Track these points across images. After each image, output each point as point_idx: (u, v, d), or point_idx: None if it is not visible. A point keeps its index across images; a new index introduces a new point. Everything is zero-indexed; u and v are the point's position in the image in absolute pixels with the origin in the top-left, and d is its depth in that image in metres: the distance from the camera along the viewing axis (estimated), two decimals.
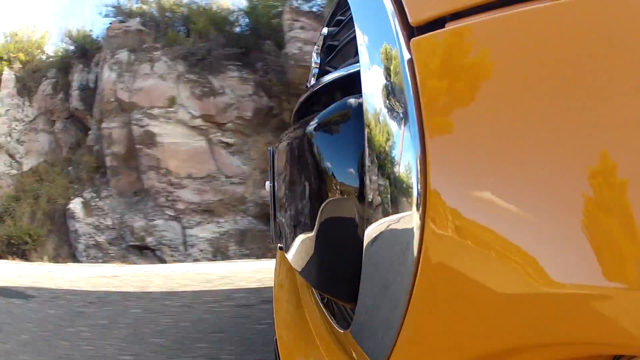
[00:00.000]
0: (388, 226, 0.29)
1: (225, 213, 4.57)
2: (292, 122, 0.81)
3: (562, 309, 0.20)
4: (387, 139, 0.29)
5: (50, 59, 6.30)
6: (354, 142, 0.34)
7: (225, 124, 4.80)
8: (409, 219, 0.27)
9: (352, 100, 0.38)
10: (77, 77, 5.82)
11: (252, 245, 4.30)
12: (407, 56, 0.28)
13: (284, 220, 0.57)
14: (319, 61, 0.69)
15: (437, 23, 0.27)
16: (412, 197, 0.26)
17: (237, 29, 5.10)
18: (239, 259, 3.95)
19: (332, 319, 0.46)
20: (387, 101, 0.30)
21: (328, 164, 0.37)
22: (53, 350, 1.33)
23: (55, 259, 4.38)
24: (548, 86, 0.21)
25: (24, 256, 4.40)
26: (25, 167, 5.67)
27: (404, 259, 0.27)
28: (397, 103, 0.28)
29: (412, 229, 0.26)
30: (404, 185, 0.27)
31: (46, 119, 5.96)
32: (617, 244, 0.18)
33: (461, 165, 0.24)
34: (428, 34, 0.27)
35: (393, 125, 0.29)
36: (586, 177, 0.19)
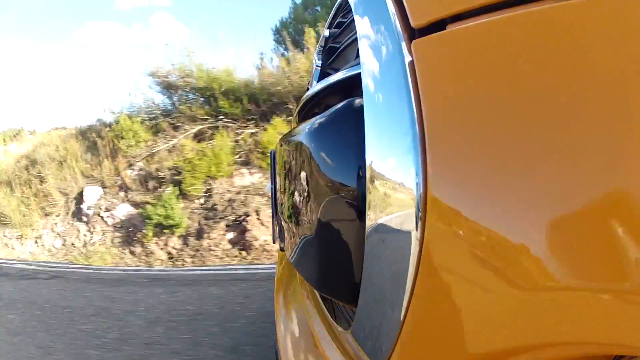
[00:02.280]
0: (388, 228, 0.29)
1: None
2: (294, 123, 0.81)
3: (562, 309, 0.20)
4: (388, 141, 0.30)
5: None
6: (355, 143, 0.34)
7: None
8: (409, 220, 0.27)
9: (353, 102, 0.38)
10: None
11: None
12: (408, 58, 0.28)
13: (284, 221, 0.57)
14: (320, 63, 0.70)
15: (439, 25, 0.27)
16: (413, 199, 0.26)
17: None
18: None
19: (332, 320, 0.46)
20: (388, 103, 0.30)
21: (329, 166, 0.37)
22: None
23: None
24: (549, 88, 0.21)
25: None
26: None
27: (404, 260, 0.27)
28: (398, 105, 0.28)
29: (412, 231, 0.26)
30: (405, 187, 0.27)
31: None
32: (618, 244, 0.18)
33: (462, 167, 0.24)
34: (429, 35, 0.27)
35: (394, 127, 0.29)
36: (587, 178, 0.19)
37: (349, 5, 0.45)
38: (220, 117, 4.59)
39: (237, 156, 4.41)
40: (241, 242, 3.78)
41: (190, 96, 4.98)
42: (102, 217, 4.54)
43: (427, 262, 0.26)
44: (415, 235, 0.26)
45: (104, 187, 4.74)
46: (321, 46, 0.72)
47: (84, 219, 4.62)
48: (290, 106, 4.38)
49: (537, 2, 0.23)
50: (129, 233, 4.32)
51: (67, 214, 4.77)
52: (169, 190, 4.24)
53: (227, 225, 3.92)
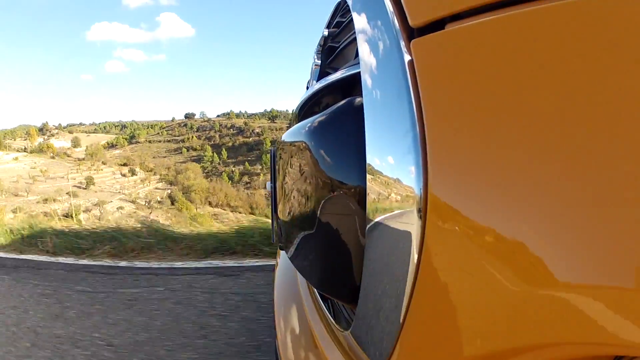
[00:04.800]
0: (389, 227, 0.29)
1: None
2: (293, 123, 0.81)
3: (562, 309, 0.20)
4: (388, 140, 0.30)
5: None
6: (355, 143, 0.34)
7: None
8: (410, 219, 0.27)
9: (353, 101, 0.38)
10: None
11: None
12: (407, 58, 0.28)
13: (284, 220, 0.57)
14: (319, 62, 0.70)
15: (437, 24, 0.27)
16: (413, 198, 0.26)
17: None
18: None
19: (332, 320, 0.46)
20: (388, 102, 0.30)
21: (329, 165, 0.37)
22: None
23: None
24: (548, 87, 0.21)
25: None
26: None
27: (404, 259, 0.27)
28: (398, 104, 0.28)
29: (412, 230, 0.26)
30: (405, 186, 0.27)
31: None
32: (618, 244, 0.18)
33: (462, 166, 0.24)
34: (428, 35, 0.27)
35: (394, 126, 0.29)
36: (587, 178, 0.19)
37: (348, 5, 0.45)
38: None
39: None
40: None
41: None
42: None
43: (427, 261, 0.26)
44: (415, 235, 0.26)
45: None
46: (320, 45, 0.72)
47: None
48: None
49: (536, 2, 0.23)
50: None
51: None
52: None
53: None
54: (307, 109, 0.71)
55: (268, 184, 0.76)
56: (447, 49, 0.26)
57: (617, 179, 0.18)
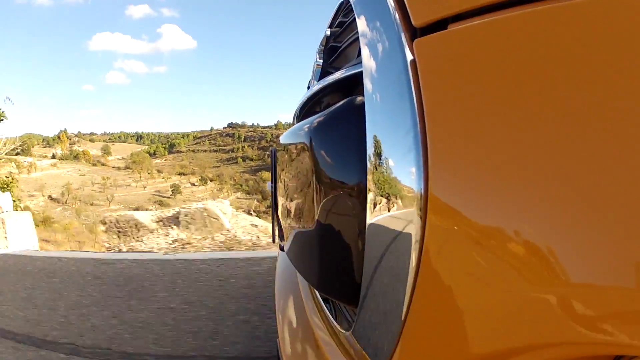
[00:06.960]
0: (389, 227, 0.29)
1: None
2: (294, 122, 0.81)
3: (562, 308, 0.20)
4: (389, 140, 0.30)
5: None
6: (356, 142, 0.34)
7: None
8: (410, 219, 0.27)
9: (353, 101, 0.38)
10: None
11: None
12: (409, 57, 0.28)
13: (285, 220, 0.57)
14: (321, 62, 0.70)
15: (440, 24, 0.27)
16: (414, 198, 0.26)
17: None
18: None
19: (333, 320, 0.46)
20: (389, 102, 0.30)
21: (329, 165, 0.37)
22: None
23: None
24: (551, 88, 0.21)
25: None
26: None
27: (405, 259, 0.27)
28: (400, 104, 0.28)
29: (413, 230, 0.26)
30: (405, 187, 0.27)
31: None
32: (618, 244, 0.18)
33: (462, 166, 0.24)
34: (431, 35, 0.27)
35: (395, 126, 0.29)
36: (587, 178, 0.19)
37: (350, 5, 0.45)
38: None
39: None
40: None
41: None
42: None
43: (427, 261, 0.26)
44: (415, 235, 0.26)
45: None
46: (322, 45, 0.72)
47: None
48: None
49: (538, 2, 0.23)
50: None
51: None
52: None
53: None
54: (307, 108, 0.71)
55: (269, 185, 0.76)
56: (450, 49, 0.26)
57: (617, 179, 0.18)
